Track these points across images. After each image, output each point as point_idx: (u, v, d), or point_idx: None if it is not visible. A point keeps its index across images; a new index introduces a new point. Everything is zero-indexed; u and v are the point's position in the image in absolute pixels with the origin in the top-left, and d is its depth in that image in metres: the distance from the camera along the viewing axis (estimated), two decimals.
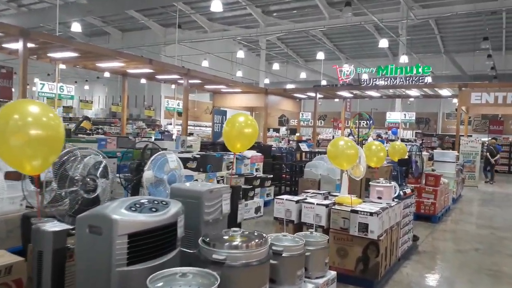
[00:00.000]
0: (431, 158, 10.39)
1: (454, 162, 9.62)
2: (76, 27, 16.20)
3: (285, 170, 9.70)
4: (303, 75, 27.08)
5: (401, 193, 4.90)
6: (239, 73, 24.50)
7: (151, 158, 3.50)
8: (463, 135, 15.19)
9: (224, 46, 24.88)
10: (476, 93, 12.57)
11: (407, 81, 15.21)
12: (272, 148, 10.64)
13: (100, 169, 3.05)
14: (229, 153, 6.69)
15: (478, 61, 22.39)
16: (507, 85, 13.11)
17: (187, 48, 21.99)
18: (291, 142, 18.51)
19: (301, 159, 10.34)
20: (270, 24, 22.04)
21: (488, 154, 14.99)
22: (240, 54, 20.56)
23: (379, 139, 17.75)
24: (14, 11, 21.96)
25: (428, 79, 15.23)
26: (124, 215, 2.11)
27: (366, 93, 16.04)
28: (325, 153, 5.72)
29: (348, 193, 4.35)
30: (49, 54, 9.86)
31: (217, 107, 15.60)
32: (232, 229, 2.38)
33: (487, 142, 16.61)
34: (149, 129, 20.32)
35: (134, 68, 11.47)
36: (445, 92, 14.87)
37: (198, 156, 6.27)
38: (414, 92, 15.58)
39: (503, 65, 22.86)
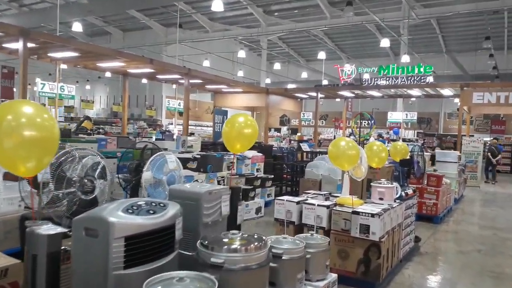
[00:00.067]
0: (431, 159, 10.32)
1: (456, 162, 9.57)
2: (77, 26, 16.18)
3: (286, 170, 9.65)
4: (304, 75, 27.03)
5: (403, 194, 4.86)
6: (240, 73, 24.46)
7: (150, 159, 3.47)
8: (465, 135, 15.13)
9: (225, 46, 24.84)
10: (478, 93, 12.49)
11: (409, 80, 15.13)
12: (273, 148, 10.60)
13: (98, 170, 3.02)
14: (230, 153, 6.65)
15: (480, 61, 22.29)
16: (509, 85, 13.03)
17: (188, 48, 21.96)
18: (292, 142, 18.47)
19: (302, 159, 10.29)
20: (271, 23, 21.99)
21: (489, 154, 14.93)
22: (241, 54, 20.52)
23: (380, 139, 17.69)
24: (15, 11, 21.97)
25: (430, 79, 15.15)
26: (120, 217, 2.07)
27: (368, 93, 15.98)
28: (326, 153, 5.68)
29: (349, 194, 4.31)
30: (49, 54, 9.83)
31: (218, 107, 15.56)
32: (231, 231, 2.34)
33: (488, 142, 16.55)
34: (150, 129, 20.29)
35: (135, 68, 11.43)
36: (446, 92, 14.81)
37: (199, 156, 6.23)
38: (415, 92, 15.51)
39: (505, 65, 22.77)
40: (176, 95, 15.51)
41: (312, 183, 7.11)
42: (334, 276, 3.05)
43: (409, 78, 15.11)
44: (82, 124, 14.06)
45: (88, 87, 29.56)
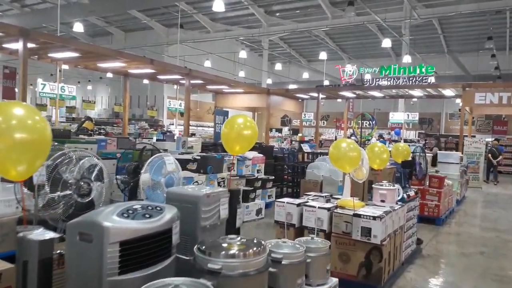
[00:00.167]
0: (432, 160, 10.26)
1: (458, 163, 9.50)
2: (78, 27, 16.17)
3: (287, 171, 9.60)
4: (305, 75, 26.97)
5: (405, 195, 4.79)
6: (242, 73, 24.43)
7: (148, 161, 3.42)
8: (466, 136, 15.05)
9: (226, 46, 24.81)
10: (480, 93, 12.42)
11: (410, 81, 15.08)
12: (274, 149, 10.54)
13: (95, 172, 2.97)
14: (230, 154, 6.60)
15: (482, 61, 22.21)
16: (511, 85, 12.96)
17: (190, 49, 21.93)
18: (293, 142, 18.42)
19: (303, 160, 10.24)
20: (273, 24, 21.95)
21: (490, 155, 14.85)
22: (243, 54, 20.48)
23: (381, 139, 17.62)
24: (17, 11, 21.97)
25: (432, 79, 15.09)
26: (115, 222, 2.02)
27: (369, 93, 15.92)
28: (327, 154, 5.62)
29: (351, 196, 4.25)
30: (50, 54, 9.80)
31: (219, 108, 15.52)
32: (229, 236, 2.29)
33: (490, 143, 16.48)
34: (151, 129, 20.26)
35: (136, 68, 11.40)
36: (448, 92, 14.74)
37: (199, 157, 6.18)
38: (417, 92, 15.44)
39: (507, 65, 22.66)
40: (177, 96, 15.47)
41: (313, 184, 7.04)
42: (335, 280, 2.99)
43: (410, 79, 15.06)
44: (83, 125, 14.02)
45: (89, 87, 29.58)
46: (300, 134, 19.22)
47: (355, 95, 16.73)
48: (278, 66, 25.62)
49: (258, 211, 7.01)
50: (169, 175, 3.45)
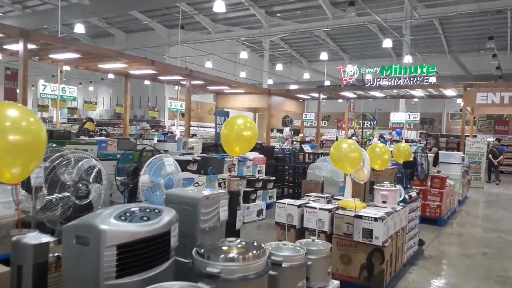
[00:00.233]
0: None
1: (459, 163, 9.46)
2: (79, 28, 16.15)
3: (288, 171, 9.56)
4: (306, 75, 26.93)
5: (407, 196, 4.75)
6: (243, 74, 24.40)
7: (147, 162, 3.39)
8: (468, 136, 15.00)
9: (227, 47, 24.80)
10: (481, 93, 12.36)
11: (411, 81, 15.05)
12: (275, 149, 10.51)
13: (93, 174, 2.94)
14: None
15: (483, 61, 22.15)
16: None
17: (191, 49, 21.92)
18: (294, 143, 18.37)
19: (304, 160, 10.20)
20: (274, 24, 21.92)
21: (490, 156, 14.80)
22: (244, 55, 20.45)
23: (382, 140, 17.57)
24: (19, 12, 21.99)
25: (433, 79, 15.05)
26: (112, 225, 1.99)
27: (370, 93, 15.88)
28: (328, 154, 5.58)
29: (352, 197, 4.22)
30: (50, 55, 9.78)
31: (219, 108, 15.49)
32: (228, 239, 2.25)
33: (491, 143, 16.44)
34: (152, 130, 20.23)
35: (137, 69, 11.37)
36: (449, 92, 14.69)
37: (199, 158, 6.15)
38: (418, 93, 15.40)
39: (508, 65, 22.60)
40: (178, 96, 15.44)
41: (314, 185, 7.01)
42: (336, 283, 2.96)
43: (411, 79, 15.03)
44: (84, 126, 13.99)
45: (91, 88, 29.59)
46: (301, 135, 19.15)
47: (356, 96, 16.69)
48: (279, 67, 25.59)
49: (259, 212, 6.98)
50: (169, 177, 3.42)
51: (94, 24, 23.29)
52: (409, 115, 18.82)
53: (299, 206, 4.06)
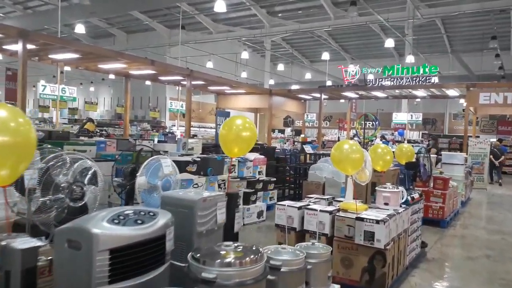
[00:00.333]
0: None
1: (462, 164, 9.37)
2: (79, 28, 16.12)
3: (289, 172, 9.49)
4: (308, 75, 26.86)
5: (409, 198, 4.68)
6: (244, 74, 24.34)
7: (144, 163, 3.33)
8: (471, 136, 14.91)
9: (228, 47, 24.73)
10: (484, 93, 12.27)
11: (414, 81, 14.96)
12: (276, 150, 10.44)
13: (88, 175, 2.88)
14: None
15: (486, 61, 22.03)
16: None
17: (192, 50, 21.86)
18: (296, 143, 18.30)
19: (305, 161, 10.12)
20: (275, 24, 21.86)
21: (491, 156, 14.71)
22: (245, 55, 20.39)
23: (383, 140, 17.48)
24: (20, 13, 21.99)
25: (435, 79, 14.96)
26: (105, 228, 1.93)
27: (372, 93, 15.79)
28: (329, 155, 5.51)
29: (354, 198, 4.15)
30: (50, 56, 9.74)
31: (220, 109, 15.44)
32: (224, 243, 2.19)
33: (492, 143, 16.35)
34: (153, 131, 20.17)
35: (137, 69, 11.32)
36: (452, 92, 14.59)
37: (198, 159, 6.08)
38: (420, 93, 15.30)
39: (511, 65, 22.48)
40: (178, 97, 15.38)
41: (316, 186, 6.92)
42: (337, 287, 2.89)
43: (414, 79, 14.95)
44: (85, 126, 13.94)
45: (92, 89, 29.56)
46: (302, 135, 19.08)
47: (358, 96, 16.60)
48: (281, 67, 25.51)
49: (259, 214, 6.91)
50: (166, 178, 3.35)
51: (95, 25, 23.27)
52: (411, 115, 18.72)
53: (299, 208, 3.99)
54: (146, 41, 23.31)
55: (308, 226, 3.93)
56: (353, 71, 17.21)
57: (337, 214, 3.93)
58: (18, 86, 7.62)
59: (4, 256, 1.84)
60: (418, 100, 21.04)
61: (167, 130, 20.77)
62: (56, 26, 13.88)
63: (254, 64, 26.02)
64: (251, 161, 7.46)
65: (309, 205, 4.12)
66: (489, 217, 8.80)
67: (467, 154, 12.03)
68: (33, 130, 1.86)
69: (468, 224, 7.84)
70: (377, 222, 3.65)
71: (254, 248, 2.14)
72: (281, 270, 2.34)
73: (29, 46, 7.97)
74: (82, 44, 13.72)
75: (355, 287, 3.80)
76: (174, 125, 21.45)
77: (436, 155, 10.81)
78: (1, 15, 22.39)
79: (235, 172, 7.04)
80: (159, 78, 13.06)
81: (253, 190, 6.98)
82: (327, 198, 4.56)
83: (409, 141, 18.71)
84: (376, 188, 4.44)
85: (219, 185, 6.26)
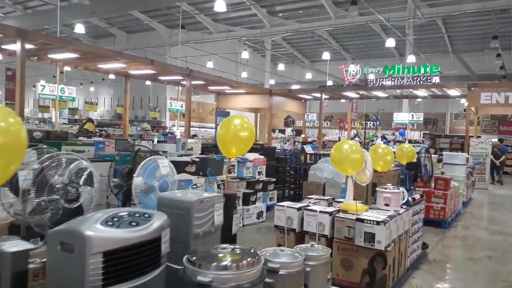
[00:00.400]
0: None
1: (464, 164, 9.31)
2: (79, 28, 16.08)
3: (289, 173, 9.44)
4: (308, 75, 26.80)
5: (410, 199, 4.63)
6: (244, 74, 24.28)
7: (141, 164, 3.28)
8: (472, 136, 14.85)
9: (229, 47, 24.69)
10: (486, 93, 12.21)
11: (415, 81, 14.87)
12: (276, 150, 10.38)
13: (84, 176, 2.83)
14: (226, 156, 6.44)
15: (487, 61, 21.95)
16: None
17: (192, 50, 21.82)
18: (296, 143, 18.24)
19: (305, 161, 10.07)
20: (276, 24, 21.80)
21: (492, 156, 14.68)
22: (245, 55, 20.34)
23: (384, 140, 17.42)
24: (20, 13, 21.96)
25: (436, 79, 14.88)
26: (98, 230, 1.89)
27: (373, 93, 15.74)
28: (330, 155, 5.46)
29: (354, 199, 4.10)
30: (49, 56, 9.71)
31: (220, 109, 15.39)
32: (221, 245, 2.14)
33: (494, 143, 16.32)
34: (153, 131, 20.12)
35: (136, 69, 11.29)
36: (453, 92, 14.54)
37: (197, 159, 6.03)
38: (421, 92, 15.25)
39: None
40: (178, 97, 15.35)
41: (316, 187, 6.87)
42: None
43: (415, 79, 14.86)
44: (84, 127, 13.90)
45: (92, 89, 29.53)
46: (303, 135, 19.03)
47: (358, 96, 16.55)
48: (281, 67, 25.46)
49: (259, 214, 6.86)
50: (163, 179, 3.31)
51: (95, 25, 23.23)
52: (412, 115, 18.67)
53: (298, 209, 3.94)
54: (147, 41, 23.27)
55: (308, 227, 3.88)
56: (353, 70, 17.13)
57: (337, 215, 3.89)
58: (16, 86, 7.59)
59: None
60: (419, 100, 20.96)
61: (167, 130, 20.72)
62: (56, 26, 13.84)
63: (254, 64, 25.97)
64: (250, 161, 7.41)
65: (308, 206, 4.07)
66: (491, 217, 8.75)
67: (468, 154, 11.98)
68: (24, 130, 1.81)
69: (470, 224, 7.78)
70: (378, 223, 3.60)
71: (251, 251, 2.10)
72: (279, 273, 2.29)
73: (28, 46, 7.95)
74: (81, 44, 13.69)
75: None
76: (174, 125, 21.42)
77: (434, 155, 10.75)
78: (1, 15, 22.37)
79: (234, 173, 6.99)
80: (158, 78, 13.04)
81: (253, 190, 6.93)
82: (327, 199, 4.51)
83: (410, 141, 18.65)
84: (377, 188, 4.38)
85: (218, 186, 6.21)
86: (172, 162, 4.72)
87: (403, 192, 4.41)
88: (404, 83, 14.91)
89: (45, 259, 2.25)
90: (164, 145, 8.20)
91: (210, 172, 6.04)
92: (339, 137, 21.14)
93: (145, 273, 2.03)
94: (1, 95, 19.70)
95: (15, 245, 1.86)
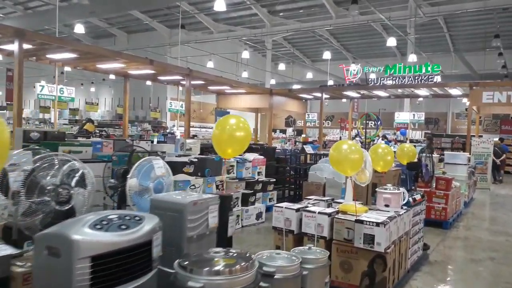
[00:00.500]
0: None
1: (465, 164, 9.23)
2: (79, 28, 16.04)
3: (289, 173, 9.37)
4: (309, 75, 26.71)
5: (410, 199, 4.55)
6: (245, 74, 24.22)
7: (136, 165, 3.22)
8: (474, 136, 14.77)
9: (229, 47, 24.62)
10: (487, 92, 12.13)
11: (416, 80, 14.79)
12: (277, 150, 10.31)
13: (76, 177, 2.77)
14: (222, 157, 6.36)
15: (489, 60, 21.84)
16: None
17: (193, 49, 21.76)
18: (297, 143, 18.18)
19: (305, 161, 10.01)
20: (276, 24, 21.73)
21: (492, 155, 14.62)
22: (246, 54, 20.28)
23: (385, 140, 17.34)
24: (20, 13, 21.95)
25: (438, 78, 14.80)
26: (86, 234, 1.82)
27: (374, 93, 15.65)
28: None
29: (354, 199, 4.03)
30: (48, 56, 9.66)
31: (220, 109, 15.34)
32: (215, 249, 2.08)
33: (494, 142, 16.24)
34: (154, 131, 20.07)
35: (135, 69, 11.23)
36: (455, 91, 14.45)
37: (196, 159, 5.96)
38: (423, 92, 15.16)
39: None
40: (178, 97, 15.29)
41: (316, 187, 6.81)
42: None
43: (416, 78, 14.77)
44: (84, 127, 13.87)
45: (92, 89, 29.50)
46: (303, 135, 18.96)
47: (359, 95, 16.47)
48: (282, 67, 25.38)
49: (258, 215, 6.79)
50: (158, 180, 3.24)
51: (96, 25, 23.20)
52: (413, 115, 18.58)
53: (297, 210, 3.87)
54: (147, 41, 23.22)
55: (306, 228, 3.82)
56: (354, 70, 17.03)
57: (336, 216, 3.82)
58: (14, 85, 7.54)
59: None
60: (421, 99, 20.89)
61: (167, 131, 20.67)
62: (57, 27, 13.80)
63: (255, 63, 25.90)
64: (250, 161, 7.35)
65: (307, 207, 4.00)
66: (493, 218, 8.66)
67: (470, 154, 11.90)
68: (6, 131, 1.75)
69: (472, 225, 7.70)
70: (377, 224, 3.53)
71: (245, 255, 2.03)
72: (275, 277, 2.23)
73: (26, 46, 7.91)
74: (80, 44, 13.64)
75: None
76: (175, 126, 21.36)
77: (435, 155, 10.67)
78: (1, 15, 22.35)
79: (233, 173, 6.93)
80: (158, 78, 12.98)
81: (252, 191, 6.86)
82: (327, 200, 4.45)
83: (411, 141, 18.56)
84: (377, 189, 4.31)
85: (217, 187, 6.14)
86: (170, 162, 4.66)
87: (403, 193, 4.33)
88: (405, 83, 14.83)
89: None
90: (162, 145, 8.13)
91: (208, 172, 5.97)
92: (340, 137, 21.07)
93: (136, 277, 1.97)
94: (2, 96, 19.68)
95: None
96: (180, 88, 14.73)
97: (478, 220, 8.30)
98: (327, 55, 20.01)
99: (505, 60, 21.16)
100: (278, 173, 8.94)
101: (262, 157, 7.81)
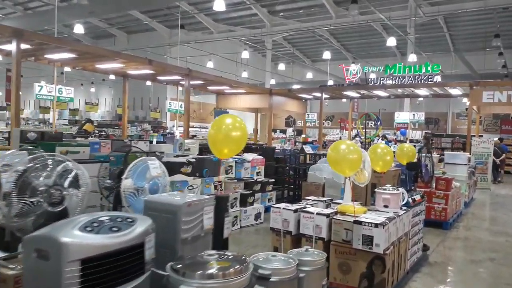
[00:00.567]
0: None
1: (466, 164, 9.18)
2: (78, 28, 16.00)
3: (288, 173, 9.32)
4: (309, 75, 26.67)
5: (410, 200, 4.50)
6: (245, 74, 24.18)
7: (130, 165, 3.18)
8: (474, 135, 14.72)
9: (229, 47, 24.59)
10: (488, 92, 12.09)
11: (416, 80, 14.73)
12: (276, 150, 10.26)
13: (69, 178, 2.72)
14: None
15: (489, 59, 21.79)
16: None
17: (193, 50, 21.72)
18: (297, 143, 18.13)
19: (305, 161, 9.96)
20: (276, 24, 21.70)
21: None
22: (245, 54, 20.24)
23: (384, 140, 17.28)
24: (20, 14, 21.92)
25: (438, 78, 14.74)
26: (76, 237, 1.78)
27: (374, 92, 15.61)
28: None
29: (353, 200, 3.98)
30: (46, 56, 9.63)
31: (219, 109, 15.29)
32: (208, 251, 2.03)
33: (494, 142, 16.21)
34: (153, 131, 20.03)
35: (135, 69, 11.19)
36: (455, 91, 14.40)
37: (194, 160, 5.91)
38: (423, 92, 15.11)
39: None
40: (177, 97, 15.25)
41: (315, 187, 6.77)
42: None
43: (416, 78, 14.72)
44: (84, 127, 13.82)
45: (92, 89, 29.47)
46: (303, 135, 18.92)
47: (359, 95, 16.42)
48: (282, 67, 25.33)
49: (257, 216, 6.75)
50: (154, 180, 3.21)
51: (95, 25, 23.17)
52: (413, 114, 18.52)
53: (295, 211, 3.83)
54: (147, 41, 23.19)
55: (304, 229, 3.77)
56: (354, 70, 16.98)
57: (335, 217, 3.77)
58: (12, 86, 7.50)
59: None
60: (421, 99, 20.83)
61: (167, 131, 20.63)
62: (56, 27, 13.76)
63: (255, 64, 25.86)
64: (249, 162, 7.30)
65: (305, 207, 3.95)
66: (493, 218, 8.61)
67: (470, 154, 11.84)
68: None
69: (472, 225, 7.65)
70: (376, 225, 3.48)
71: (239, 257, 1.99)
72: (271, 280, 2.19)
73: (24, 46, 7.87)
74: (78, 44, 13.60)
75: None
76: (175, 126, 21.31)
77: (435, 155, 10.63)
78: (1, 16, 22.33)
79: (232, 173, 6.88)
80: (157, 78, 12.94)
81: (251, 191, 6.82)
82: (325, 200, 4.40)
83: (411, 141, 18.51)
84: (376, 190, 4.27)
85: (215, 187, 6.10)
86: (167, 163, 4.62)
87: (402, 193, 4.29)
88: (405, 82, 14.78)
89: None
90: (161, 145, 8.09)
91: (206, 173, 5.93)
92: (340, 137, 21.02)
93: (127, 280, 1.93)
94: (2, 97, 19.65)
95: None
96: (180, 88, 14.69)
97: (478, 220, 8.25)
98: (327, 55, 19.97)
99: (505, 60, 21.11)
100: (277, 173, 8.89)
101: (261, 157, 7.77)
